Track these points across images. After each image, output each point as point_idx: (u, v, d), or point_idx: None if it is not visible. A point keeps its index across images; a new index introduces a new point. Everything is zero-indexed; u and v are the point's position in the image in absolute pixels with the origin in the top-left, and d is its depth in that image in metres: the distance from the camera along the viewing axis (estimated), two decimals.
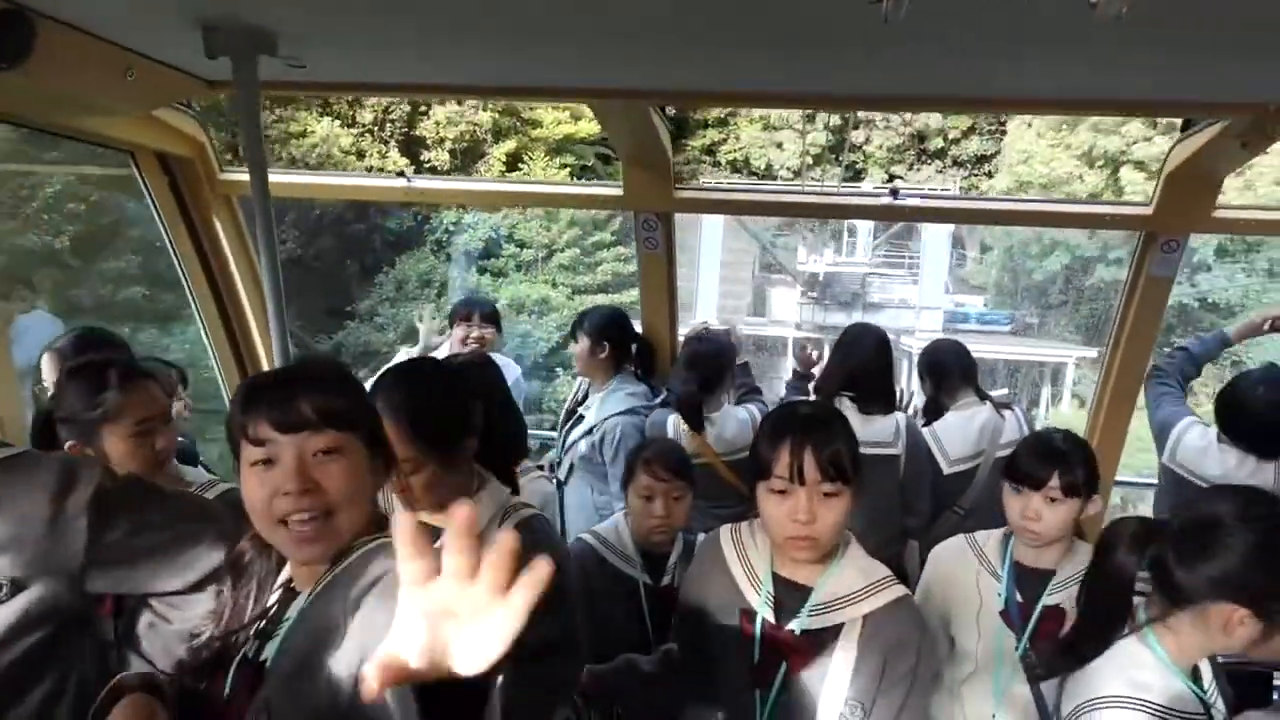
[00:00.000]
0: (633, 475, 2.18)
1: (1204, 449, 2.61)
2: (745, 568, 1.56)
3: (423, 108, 19.65)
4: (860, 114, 23.38)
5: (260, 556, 1.21)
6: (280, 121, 17.69)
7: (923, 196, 3.59)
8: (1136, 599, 1.42)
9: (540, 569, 0.63)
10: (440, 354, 3.16)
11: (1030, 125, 21.61)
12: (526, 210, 19.38)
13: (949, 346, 3.10)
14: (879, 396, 2.77)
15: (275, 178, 2.48)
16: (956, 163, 23.71)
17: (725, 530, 1.64)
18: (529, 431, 3.60)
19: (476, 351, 2.99)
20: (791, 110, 22.24)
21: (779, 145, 23.89)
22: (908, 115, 23.49)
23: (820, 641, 1.46)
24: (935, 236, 21.12)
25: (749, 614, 1.51)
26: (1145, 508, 3.45)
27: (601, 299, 17.12)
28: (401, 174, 3.26)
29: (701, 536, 1.80)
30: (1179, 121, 2.81)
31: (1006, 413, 2.89)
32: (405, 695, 0.69)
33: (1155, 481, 2.90)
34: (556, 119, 20.44)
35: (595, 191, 3.45)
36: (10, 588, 1.24)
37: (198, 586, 1.34)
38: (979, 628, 1.90)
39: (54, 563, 1.25)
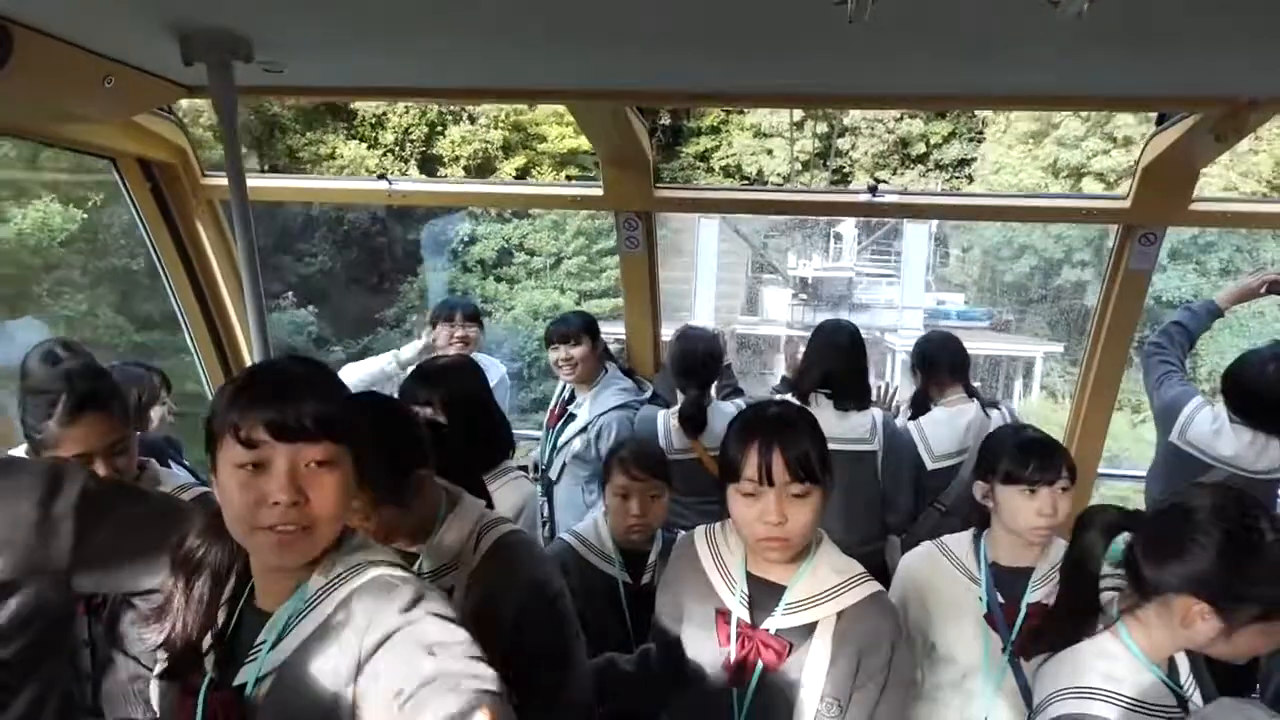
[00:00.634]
0: (609, 474, 2.10)
1: (1217, 430, 2.52)
2: (719, 567, 1.49)
3: (439, 128, 19.91)
4: (846, 121, 23.53)
5: (211, 557, 1.08)
6: (310, 145, 19.00)
7: (900, 193, 3.53)
8: (1111, 594, 1.38)
9: None
10: (409, 352, 3.08)
11: (1003, 136, 22.21)
12: (536, 220, 19.53)
13: (939, 339, 2.94)
14: (854, 393, 2.66)
15: (256, 182, 2.43)
16: (939, 166, 23.80)
17: (699, 531, 1.58)
18: (528, 433, 3.60)
19: (459, 353, 2.91)
20: (778, 116, 22.42)
21: (769, 152, 23.97)
22: (891, 123, 23.56)
23: (795, 639, 1.41)
24: (915, 236, 21.03)
25: (724, 613, 1.46)
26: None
27: (607, 303, 17.62)
28: (383, 176, 3.19)
29: (682, 535, 1.75)
30: (1135, 135, 2.76)
31: (993, 411, 2.75)
32: None
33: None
34: (561, 134, 20.74)
35: (575, 192, 3.34)
36: (1, 591, 1.21)
37: None
38: (963, 632, 1.79)
39: (42, 564, 1.23)
